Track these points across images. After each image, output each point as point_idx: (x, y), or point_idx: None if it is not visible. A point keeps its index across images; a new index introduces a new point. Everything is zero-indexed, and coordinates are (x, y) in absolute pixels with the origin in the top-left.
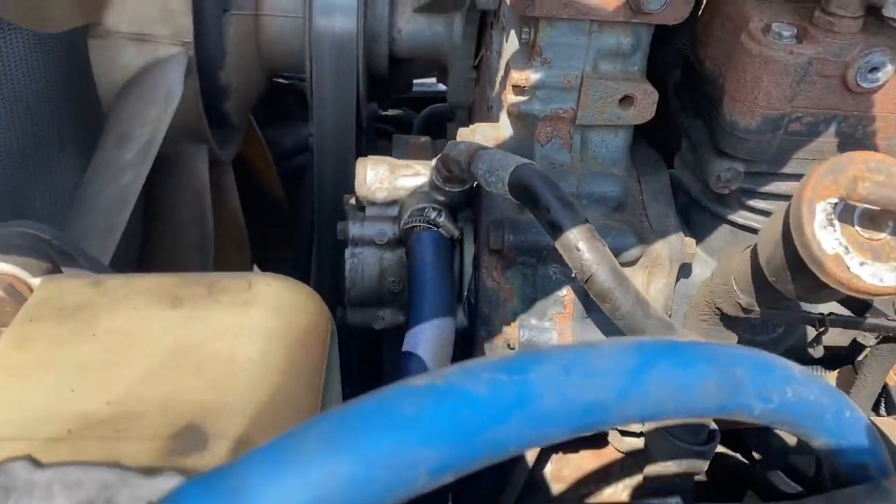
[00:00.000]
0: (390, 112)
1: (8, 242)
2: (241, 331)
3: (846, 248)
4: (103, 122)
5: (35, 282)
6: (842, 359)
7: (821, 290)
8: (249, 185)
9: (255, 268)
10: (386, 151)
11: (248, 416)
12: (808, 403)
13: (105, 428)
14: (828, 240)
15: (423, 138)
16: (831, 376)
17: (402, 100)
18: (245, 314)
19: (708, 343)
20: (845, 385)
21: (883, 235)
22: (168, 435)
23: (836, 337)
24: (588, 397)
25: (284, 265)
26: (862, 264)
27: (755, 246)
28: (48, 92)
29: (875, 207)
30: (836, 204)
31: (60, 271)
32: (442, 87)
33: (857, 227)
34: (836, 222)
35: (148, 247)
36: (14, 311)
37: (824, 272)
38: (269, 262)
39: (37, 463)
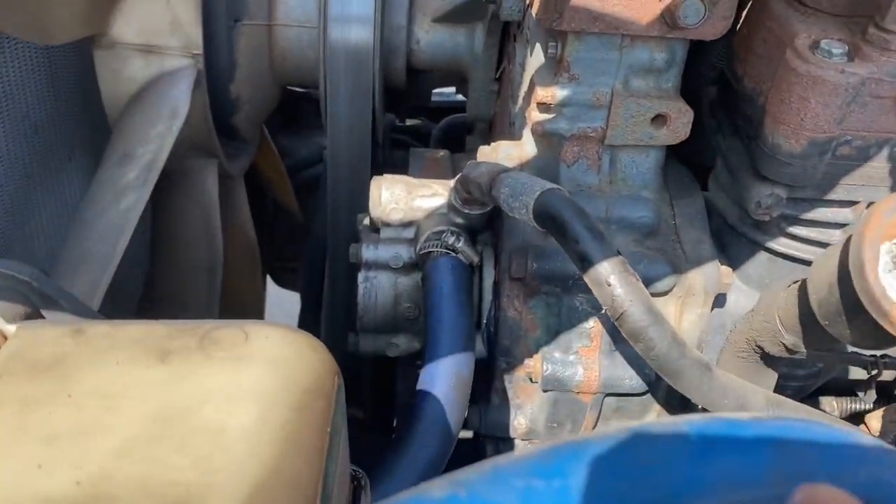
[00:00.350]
0: (407, 122)
1: None
2: (234, 393)
3: None
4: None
5: (10, 329)
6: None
7: (884, 338)
8: (261, 195)
9: (268, 278)
10: (403, 163)
11: (238, 499)
12: (882, 484)
13: None
14: (894, 285)
15: (442, 152)
16: (877, 414)
17: (419, 109)
18: (240, 372)
19: (770, 422)
20: (892, 424)
21: None
22: None
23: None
24: (638, 499)
25: (296, 277)
26: None
27: (803, 283)
28: (57, 108)
29: None
30: None
31: (41, 315)
32: (461, 96)
33: None
34: None
35: (154, 266)
36: None
37: (890, 322)
38: (281, 274)
39: None
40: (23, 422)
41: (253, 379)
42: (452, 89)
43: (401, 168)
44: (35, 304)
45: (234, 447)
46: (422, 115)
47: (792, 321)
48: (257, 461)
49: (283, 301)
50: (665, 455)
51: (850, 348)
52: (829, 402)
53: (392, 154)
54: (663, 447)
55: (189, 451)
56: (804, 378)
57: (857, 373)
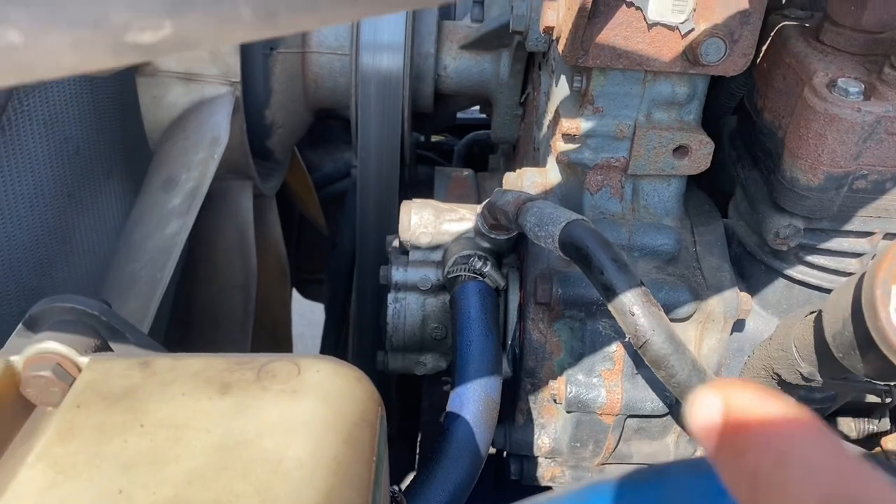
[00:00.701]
0: (431, 138)
1: (55, 318)
2: (289, 425)
3: None
4: (150, 156)
5: (83, 361)
6: None
7: (894, 372)
8: (288, 209)
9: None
10: (426, 178)
11: None
12: None
13: None
14: None
15: (466, 171)
16: (893, 438)
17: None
18: (294, 404)
19: None
20: None
21: None
22: None
23: None
24: None
25: (320, 288)
26: None
27: (819, 315)
28: (98, 130)
29: None
30: None
31: (109, 348)
32: (483, 114)
33: None
34: None
35: (190, 282)
36: (61, 390)
37: None
38: (306, 285)
39: None
40: (101, 450)
41: (306, 411)
42: (475, 106)
43: (424, 183)
44: (103, 337)
45: (291, 476)
46: (445, 131)
47: (808, 351)
48: (313, 490)
49: (304, 310)
50: (690, 495)
51: None
52: (847, 423)
53: (416, 169)
54: (688, 487)
55: (252, 479)
56: (821, 401)
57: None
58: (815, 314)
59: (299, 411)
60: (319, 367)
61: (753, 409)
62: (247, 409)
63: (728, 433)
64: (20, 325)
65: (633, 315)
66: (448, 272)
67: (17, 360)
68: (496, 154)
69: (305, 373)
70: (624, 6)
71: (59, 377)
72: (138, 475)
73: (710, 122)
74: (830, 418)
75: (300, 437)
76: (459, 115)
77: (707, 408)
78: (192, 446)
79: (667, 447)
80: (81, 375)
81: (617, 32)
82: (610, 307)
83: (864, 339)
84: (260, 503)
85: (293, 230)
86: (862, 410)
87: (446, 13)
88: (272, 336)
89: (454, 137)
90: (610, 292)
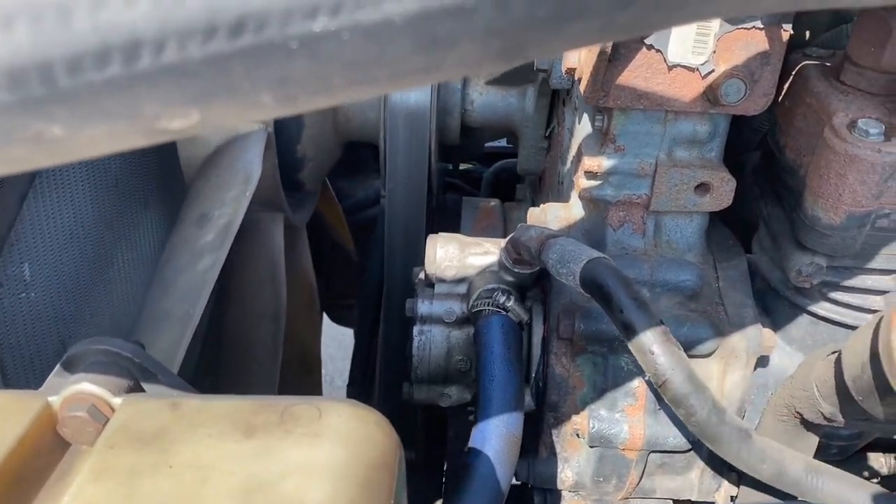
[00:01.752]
0: (459, 166)
1: (91, 359)
2: (311, 469)
3: None
4: (184, 185)
5: (116, 401)
6: None
7: None
8: (319, 235)
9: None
10: (454, 205)
11: None
12: None
13: None
14: None
15: (493, 202)
16: None
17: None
18: (315, 448)
19: None
20: None
21: None
22: None
23: None
24: None
25: (350, 313)
26: None
27: (839, 356)
28: (135, 162)
29: None
30: None
31: (141, 388)
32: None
33: None
34: None
35: (222, 312)
36: (95, 430)
37: None
38: (336, 311)
39: None
40: (133, 491)
41: (326, 455)
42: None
43: (452, 210)
44: (136, 378)
45: None
46: (473, 160)
47: (829, 392)
48: None
49: (335, 332)
50: None
51: None
52: (877, 459)
53: (444, 197)
54: None
55: None
56: (847, 438)
57: None
58: (835, 354)
59: (320, 455)
60: (340, 412)
61: None
62: (270, 451)
63: None
64: (58, 366)
65: (652, 354)
66: (472, 306)
67: (54, 400)
68: (523, 185)
69: (326, 417)
70: (644, 48)
71: (94, 417)
72: None
73: (733, 157)
74: (860, 453)
75: (320, 480)
76: (487, 143)
77: None
78: (217, 488)
79: (690, 482)
80: (115, 416)
81: (637, 74)
82: (630, 346)
83: (882, 383)
84: None
85: (325, 257)
86: (892, 446)
87: None
88: (301, 362)
89: (482, 165)
90: (630, 331)
